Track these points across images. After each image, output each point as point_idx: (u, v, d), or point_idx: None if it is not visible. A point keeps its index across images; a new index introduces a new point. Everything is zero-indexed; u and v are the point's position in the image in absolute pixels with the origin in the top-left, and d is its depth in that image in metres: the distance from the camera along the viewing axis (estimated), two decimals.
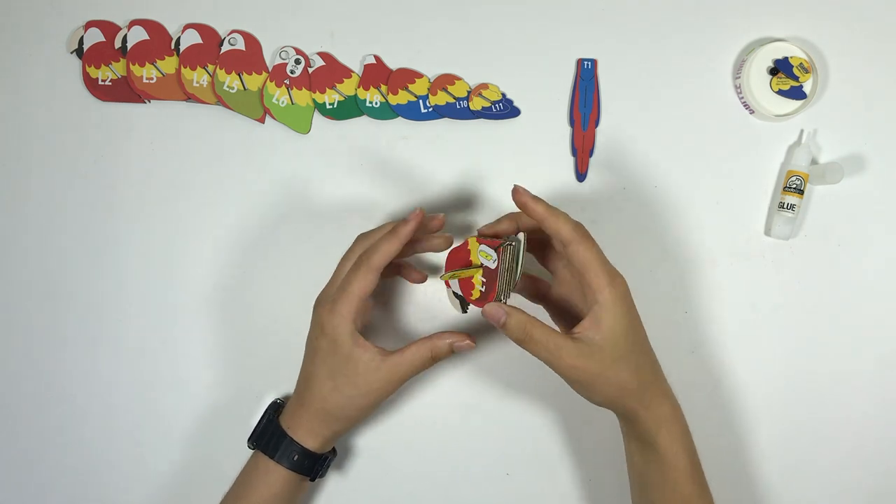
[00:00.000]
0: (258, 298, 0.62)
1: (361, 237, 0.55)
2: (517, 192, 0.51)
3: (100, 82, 0.62)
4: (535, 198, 0.51)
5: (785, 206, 0.60)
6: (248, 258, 0.62)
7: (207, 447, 0.62)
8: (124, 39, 0.62)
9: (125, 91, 0.63)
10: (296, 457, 0.53)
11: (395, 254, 0.52)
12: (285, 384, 0.59)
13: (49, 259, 0.63)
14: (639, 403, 0.51)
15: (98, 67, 0.62)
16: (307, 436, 0.53)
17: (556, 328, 0.51)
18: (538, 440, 0.61)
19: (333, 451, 0.58)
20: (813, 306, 0.61)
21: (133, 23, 0.62)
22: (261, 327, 0.62)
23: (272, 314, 0.62)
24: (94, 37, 0.63)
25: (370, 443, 0.62)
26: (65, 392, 0.62)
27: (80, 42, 0.63)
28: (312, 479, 0.55)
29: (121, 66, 0.63)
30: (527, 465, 0.62)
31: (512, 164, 0.62)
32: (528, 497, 0.61)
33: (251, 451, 0.56)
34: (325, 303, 0.52)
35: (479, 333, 0.62)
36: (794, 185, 0.60)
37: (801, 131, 0.62)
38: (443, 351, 0.52)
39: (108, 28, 0.63)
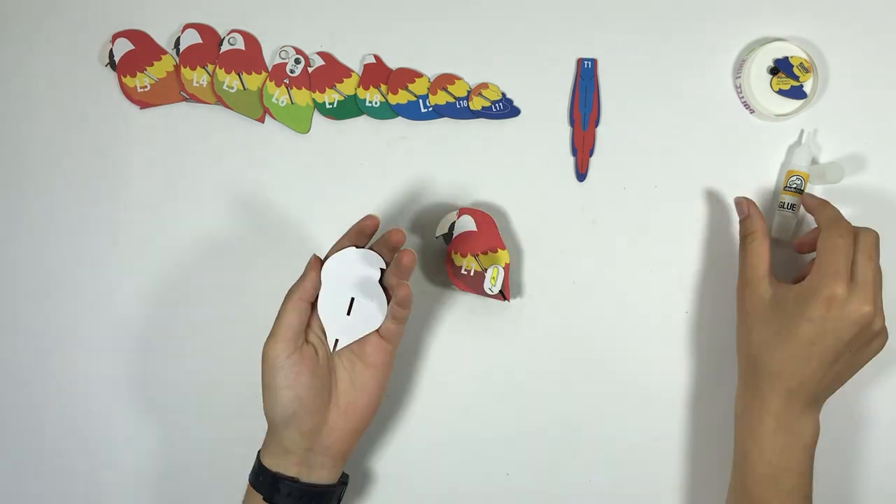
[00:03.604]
0: (257, 298, 0.62)
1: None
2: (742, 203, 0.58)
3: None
4: (809, 195, 0.58)
5: (785, 205, 0.60)
6: (248, 258, 0.62)
7: (208, 446, 0.62)
8: (111, 54, 0.62)
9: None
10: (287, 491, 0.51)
11: (316, 279, 0.53)
12: None
13: (49, 259, 0.63)
14: (749, 373, 0.53)
15: None
16: (274, 459, 0.52)
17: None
18: (538, 440, 0.61)
19: (342, 482, 0.55)
20: None
21: (116, 35, 0.62)
22: (260, 326, 0.62)
23: (271, 313, 0.62)
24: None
25: (369, 441, 0.62)
26: (64, 392, 0.62)
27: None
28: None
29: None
30: (527, 465, 0.61)
31: (512, 164, 0.62)
32: (528, 497, 0.61)
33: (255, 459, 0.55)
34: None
35: (482, 331, 0.62)
36: (795, 185, 0.60)
37: (802, 131, 0.62)
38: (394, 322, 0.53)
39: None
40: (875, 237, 0.52)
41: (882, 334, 0.52)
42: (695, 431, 0.60)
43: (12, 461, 0.62)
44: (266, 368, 0.52)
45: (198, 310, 0.62)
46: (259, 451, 0.54)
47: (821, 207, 0.55)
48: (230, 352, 0.62)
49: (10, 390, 0.62)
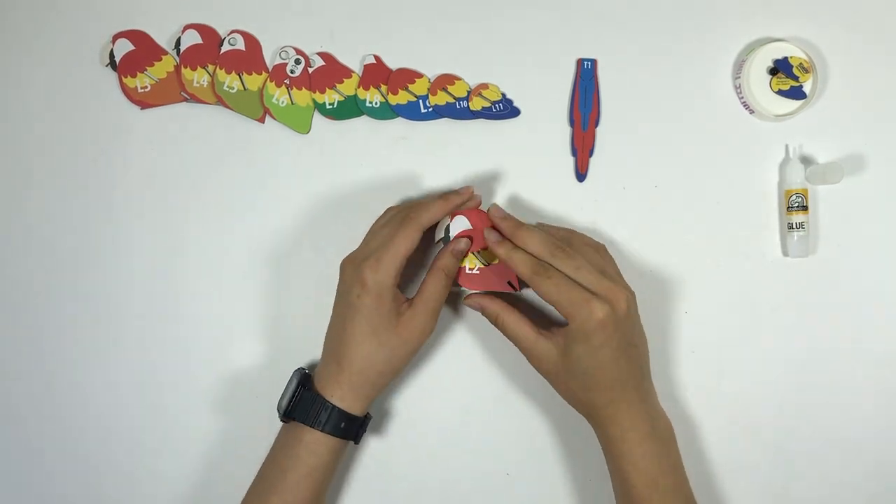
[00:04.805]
0: (257, 298, 0.62)
1: (391, 209, 0.58)
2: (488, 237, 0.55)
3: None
4: (499, 241, 0.54)
5: (794, 226, 0.60)
6: (247, 258, 0.62)
7: (210, 447, 0.62)
8: (111, 54, 0.62)
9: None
10: (343, 423, 0.54)
11: (440, 218, 0.56)
12: (283, 381, 0.58)
13: (49, 259, 0.63)
14: (591, 412, 0.54)
15: None
16: (350, 399, 0.54)
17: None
18: (538, 440, 0.61)
19: (368, 413, 0.57)
20: (812, 306, 0.61)
21: (117, 36, 0.63)
22: (259, 326, 0.62)
23: (270, 313, 0.62)
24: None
25: (371, 441, 0.62)
26: (63, 393, 0.62)
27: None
28: (356, 442, 0.56)
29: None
30: (527, 465, 0.62)
31: (512, 164, 0.62)
32: (528, 497, 0.61)
33: (279, 425, 0.56)
34: (365, 259, 0.53)
35: (482, 332, 0.62)
36: (797, 204, 0.60)
37: (787, 147, 0.62)
38: (450, 265, 0.56)
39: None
40: (539, 238, 0.53)
41: (627, 292, 0.53)
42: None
43: (11, 461, 0.62)
44: (370, 301, 0.53)
45: (198, 309, 0.62)
46: (333, 397, 0.54)
47: (511, 261, 0.53)
48: (231, 350, 0.62)
49: (10, 390, 0.62)
